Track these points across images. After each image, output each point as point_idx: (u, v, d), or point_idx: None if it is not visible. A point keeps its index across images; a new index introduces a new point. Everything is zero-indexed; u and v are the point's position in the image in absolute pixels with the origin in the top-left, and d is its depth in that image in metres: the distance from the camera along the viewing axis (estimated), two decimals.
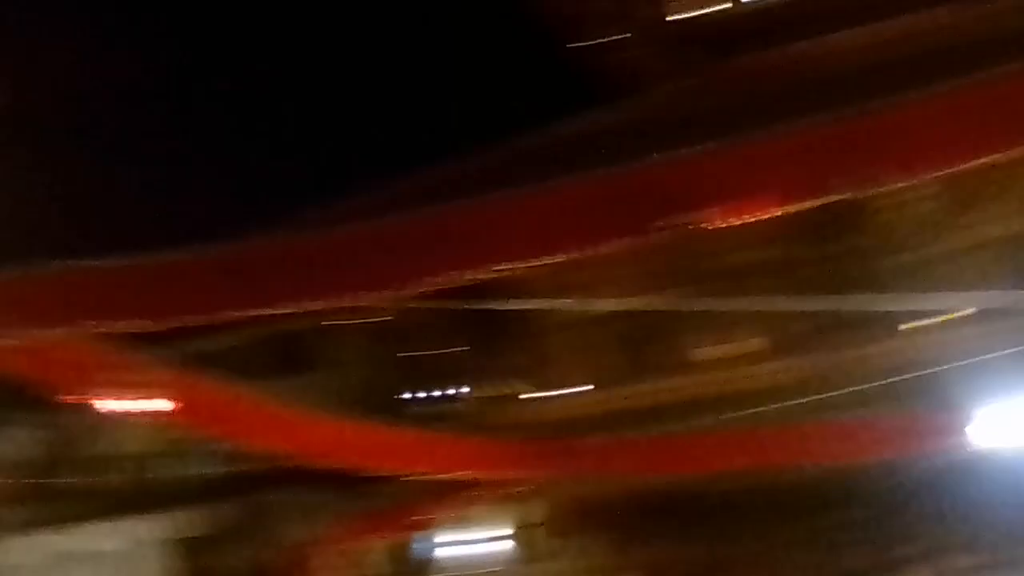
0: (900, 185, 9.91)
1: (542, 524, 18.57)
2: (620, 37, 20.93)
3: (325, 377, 19.42)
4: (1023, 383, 14.54)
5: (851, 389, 16.20)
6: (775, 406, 16.21)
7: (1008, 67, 9.67)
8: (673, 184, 10.04)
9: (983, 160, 9.41)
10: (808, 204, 10.00)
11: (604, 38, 21.30)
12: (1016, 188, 16.50)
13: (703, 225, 10.09)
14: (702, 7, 19.34)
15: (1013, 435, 14.59)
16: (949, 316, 16.07)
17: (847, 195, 10.00)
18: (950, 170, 9.75)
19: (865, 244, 17.25)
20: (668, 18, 19.47)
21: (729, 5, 19.23)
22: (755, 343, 17.63)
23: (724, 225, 10.14)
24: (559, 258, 10.72)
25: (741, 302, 15.09)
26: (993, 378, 14.54)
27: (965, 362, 14.94)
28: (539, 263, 11.43)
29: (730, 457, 15.35)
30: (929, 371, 15.43)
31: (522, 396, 18.52)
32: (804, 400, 16.24)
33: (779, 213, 10.05)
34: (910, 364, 16.02)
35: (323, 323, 17.83)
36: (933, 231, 17.08)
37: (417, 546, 18.99)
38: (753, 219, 10.14)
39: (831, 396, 16.38)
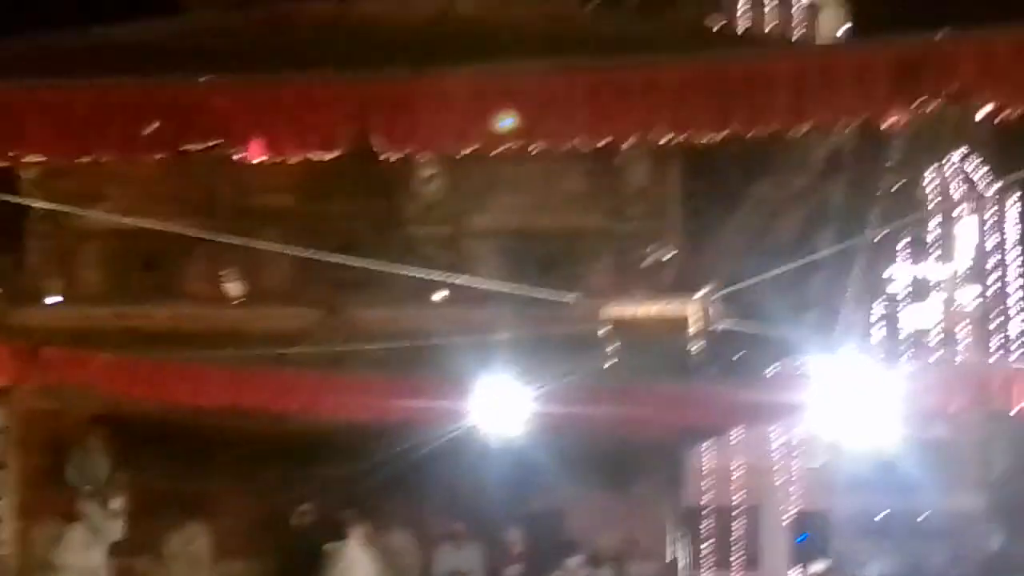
0: (408, 158, 10.11)
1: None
2: None
3: None
4: (520, 368, 15.18)
5: (357, 347, 16.53)
6: (279, 351, 16.37)
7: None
8: (212, 110, 9.89)
9: (490, 148, 9.73)
10: (344, 156, 10.07)
11: None
12: (531, 184, 17.30)
13: (236, 158, 10.02)
14: None
15: (504, 418, 15.17)
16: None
17: (387, 156, 10.10)
18: (457, 151, 10.04)
19: (400, 210, 17.62)
20: None
21: None
22: (267, 286, 17.67)
23: (257, 162, 10.08)
24: (80, 160, 10.44)
25: (258, 243, 15.10)
26: (492, 360, 15.15)
27: (471, 341, 15.56)
28: (63, 161, 11.11)
29: (222, 394, 15.29)
30: (437, 343, 15.94)
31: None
32: (308, 349, 16.46)
33: (315, 160, 10.09)
34: (419, 333, 16.51)
35: None
36: (461, 209, 17.64)
37: None
38: (290, 160, 10.14)
39: (337, 351, 16.64)
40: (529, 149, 9.61)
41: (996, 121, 9.47)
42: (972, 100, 9.32)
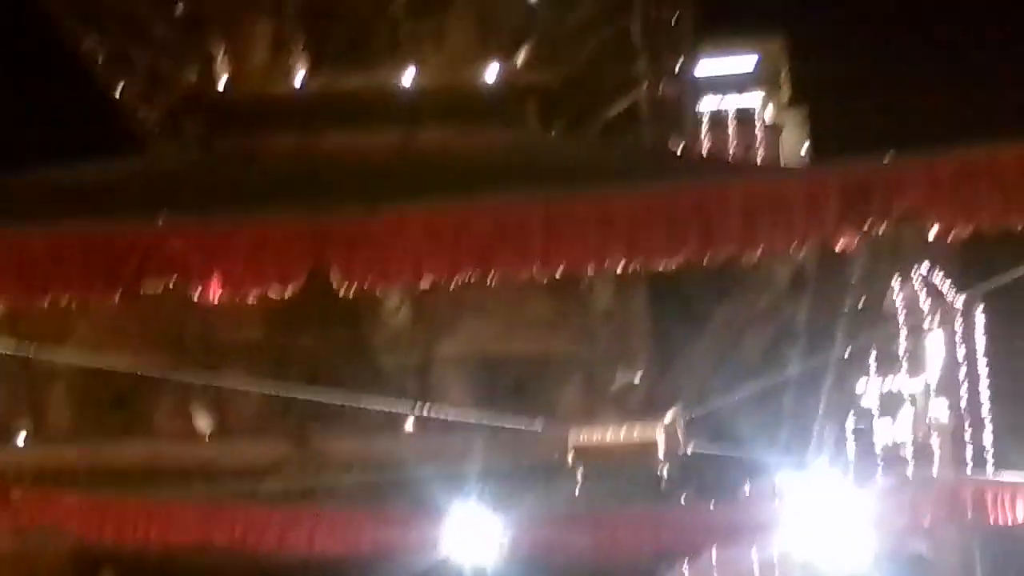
0: (367, 291, 10.18)
1: None
2: (162, 96, 20.93)
3: None
4: (491, 496, 15.14)
5: (328, 480, 16.48)
6: (249, 487, 16.30)
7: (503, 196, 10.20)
8: (169, 251, 9.96)
9: (449, 279, 9.83)
10: (306, 291, 10.13)
11: (148, 93, 21.25)
12: (487, 312, 17.35)
13: (197, 296, 10.07)
14: (255, 88, 19.56)
15: (477, 548, 15.11)
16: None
17: (347, 289, 10.16)
18: (416, 283, 10.13)
19: (367, 340, 17.62)
20: (215, 88, 19.57)
21: (279, 85, 19.50)
22: (236, 421, 17.62)
23: (218, 299, 10.12)
24: (38, 303, 10.49)
25: (226, 380, 15.15)
26: (463, 489, 15.12)
27: (442, 470, 15.55)
28: (21, 304, 11.15)
29: (193, 532, 15.18)
30: (408, 473, 15.92)
31: None
32: (278, 484, 16.40)
33: (278, 296, 10.15)
34: (390, 463, 16.47)
35: None
36: (425, 339, 17.65)
37: None
38: (249, 298, 10.20)
39: (307, 485, 16.58)
40: (485, 281, 9.69)
41: (947, 240, 9.61)
42: (920, 221, 9.47)
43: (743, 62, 33.40)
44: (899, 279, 21.09)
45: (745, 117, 31.15)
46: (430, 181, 13.90)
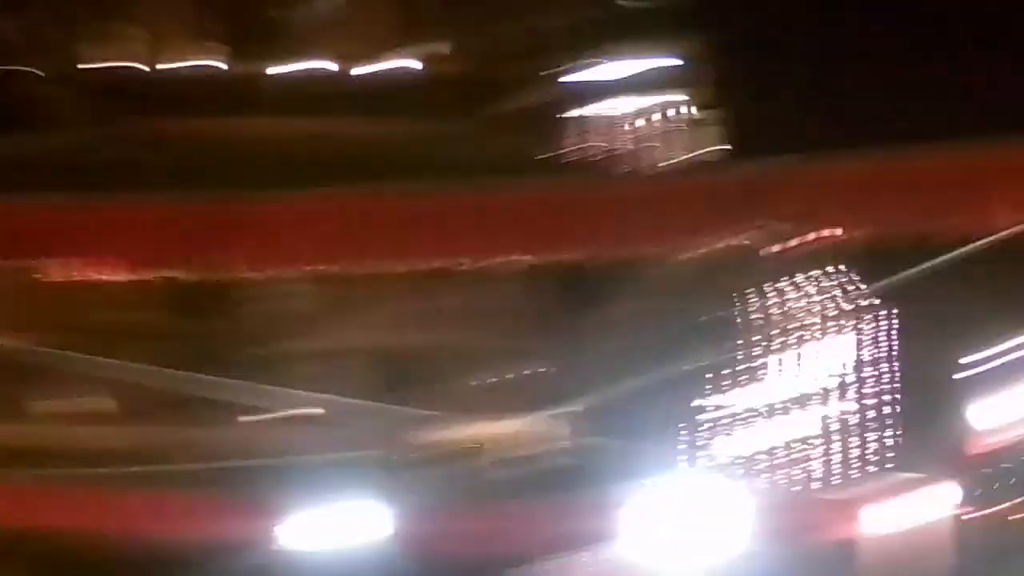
0: (265, 276, 10.08)
1: None
2: (31, 71, 20.65)
3: None
4: (383, 488, 15.09)
5: (183, 467, 16.33)
6: (104, 470, 16.08)
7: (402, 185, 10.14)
8: (29, 229, 9.79)
9: (350, 267, 9.76)
10: (165, 276, 9.99)
11: (54, 72, 20.99)
12: (387, 301, 17.22)
13: (55, 275, 9.90)
14: (124, 60, 19.40)
15: (323, 540, 15.05)
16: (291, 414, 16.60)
17: (204, 275, 10.03)
18: (316, 270, 10.06)
19: (230, 329, 17.41)
20: (84, 65, 19.39)
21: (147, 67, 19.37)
22: (97, 404, 17.38)
23: (79, 280, 9.97)
24: None
25: (88, 362, 14.91)
26: (317, 481, 15.08)
27: (293, 460, 15.51)
28: None
29: (50, 513, 14.97)
30: (262, 463, 15.84)
31: None
32: (133, 469, 16.18)
33: (139, 279, 9.99)
34: (245, 452, 16.36)
35: None
36: (298, 329, 17.46)
37: None
38: (108, 279, 10.04)
39: (162, 470, 16.42)
40: (360, 271, 9.60)
41: (847, 241, 9.68)
42: (819, 221, 9.54)
43: (662, 62, 33.52)
44: (801, 279, 21.17)
45: (660, 116, 31.19)
46: (337, 169, 13.77)
